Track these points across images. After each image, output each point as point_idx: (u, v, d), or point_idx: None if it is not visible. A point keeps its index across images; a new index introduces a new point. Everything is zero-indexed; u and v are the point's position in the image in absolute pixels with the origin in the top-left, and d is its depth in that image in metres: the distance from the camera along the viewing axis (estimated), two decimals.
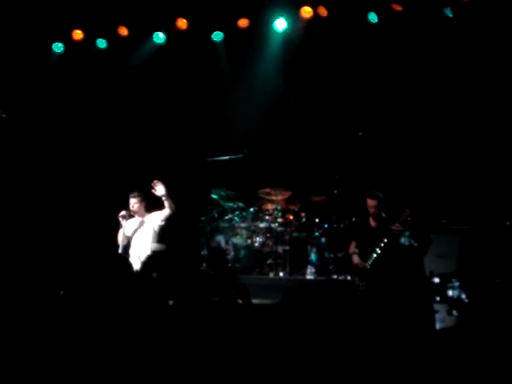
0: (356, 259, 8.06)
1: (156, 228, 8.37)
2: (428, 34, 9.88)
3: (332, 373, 3.97)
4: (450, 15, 9.74)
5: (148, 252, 8.18)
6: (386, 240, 7.79)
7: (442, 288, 7.73)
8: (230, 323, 4.38)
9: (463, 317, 6.81)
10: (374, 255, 7.81)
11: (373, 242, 7.90)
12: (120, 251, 8.10)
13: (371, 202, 8.05)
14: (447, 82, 10.00)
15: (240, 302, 4.65)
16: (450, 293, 7.59)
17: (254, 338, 4.21)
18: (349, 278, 8.96)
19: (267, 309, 4.63)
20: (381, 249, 7.79)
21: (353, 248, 8.20)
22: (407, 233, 8.15)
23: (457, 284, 7.64)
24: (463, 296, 7.53)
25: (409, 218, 7.74)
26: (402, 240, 8.18)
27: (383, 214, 8.16)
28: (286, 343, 4.17)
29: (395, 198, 8.70)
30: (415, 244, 8.29)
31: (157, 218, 8.36)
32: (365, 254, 7.96)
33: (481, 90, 9.81)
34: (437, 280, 7.77)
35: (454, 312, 7.39)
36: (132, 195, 8.36)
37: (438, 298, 7.67)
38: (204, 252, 10.01)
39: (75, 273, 5.19)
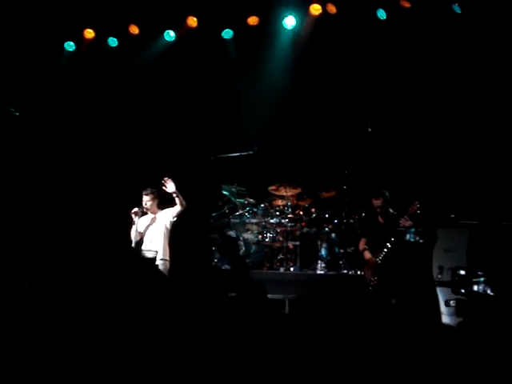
0: (367, 255, 8.14)
1: (168, 224, 8.46)
2: (436, 31, 9.90)
3: (342, 367, 4.01)
4: (459, 11, 9.78)
5: (157, 248, 8.28)
6: (395, 236, 7.86)
7: (467, 282, 7.66)
8: (247, 318, 4.43)
9: (488, 311, 6.78)
10: (385, 250, 7.88)
11: (382, 237, 7.96)
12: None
13: (376, 202, 8.12)
14: (456, 77, 10.03)
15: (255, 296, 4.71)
16: (476, 287, 7.54)
17: (269, 332, 4.26)
18: (359, 272, 9.02)
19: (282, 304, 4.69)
20: (391, 244, 7.86)
21: (363, 245, 8.28)
22: (412, 229, 8.18)
23: (482, 279, 7.58)
24: (488, 291, 7.47)
25: (417, 211, 7.79)
26: (408, 237, 8.21)
27: (391, 210, 8.22)
28: (300, 337, 4.22)
29: (404, 193, 8.77)
30: (421, 240, 8.32)
31: (168, 215, 8.45)
32: (375, 250, 8.05)
33: (490, 85, 9.82)
34: (462, 272, 7.69)
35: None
36: (145, 192, 8.46)
37: (462, 291, 7.61)
38: (216, 236, 10.09)
39: (89, 267, 5.28)
